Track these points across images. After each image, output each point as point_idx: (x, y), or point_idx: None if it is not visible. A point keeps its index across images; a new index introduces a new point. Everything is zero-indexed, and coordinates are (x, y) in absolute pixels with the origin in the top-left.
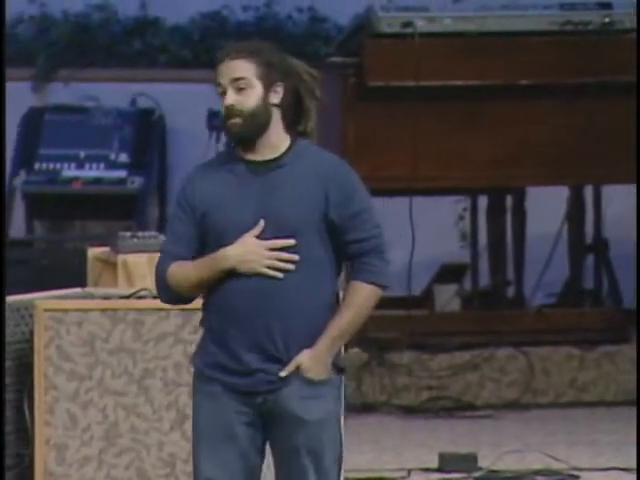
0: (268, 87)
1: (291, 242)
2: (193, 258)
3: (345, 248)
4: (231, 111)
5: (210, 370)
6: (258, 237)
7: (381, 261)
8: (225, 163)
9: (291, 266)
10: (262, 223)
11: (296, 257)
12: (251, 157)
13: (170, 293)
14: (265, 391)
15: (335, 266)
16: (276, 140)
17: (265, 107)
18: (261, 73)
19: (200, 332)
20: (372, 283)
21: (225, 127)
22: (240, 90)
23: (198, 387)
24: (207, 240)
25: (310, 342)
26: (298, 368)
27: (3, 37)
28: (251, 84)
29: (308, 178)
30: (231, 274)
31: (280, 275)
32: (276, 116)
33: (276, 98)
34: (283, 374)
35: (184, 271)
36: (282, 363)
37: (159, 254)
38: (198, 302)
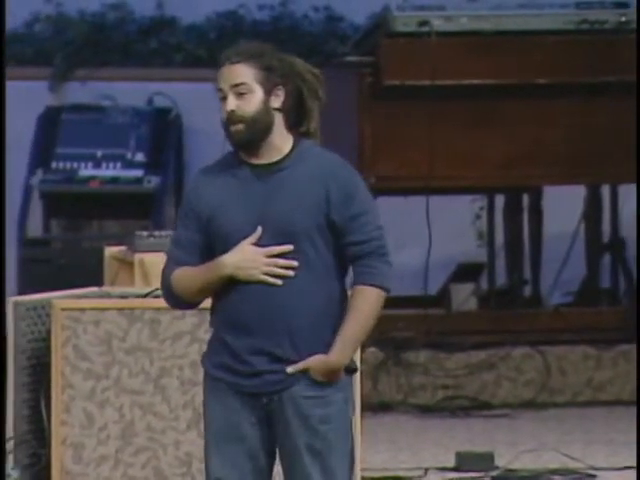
0: (269, 91)
1: (289, 248)
2: (200, 263)
3: (345, 250)
4: (233, 117)
5: (216, 371)
6: (261, 240)
7: (382, 263)
8: (229, 167)
9: (290, 272)
10: (259, 230)
11: (295, 263)
12: (254, 160)
13: (175, 298)
14: (271, 391)
15: (341, 266)
16: (279, 143)
17: (266, 111)
18: (261, 77)
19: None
20: (374, 286)
21: (227, 133)
22: (240, 95)
23: (207, 387)
24: (214, 245)
25: (318, 342)
26: (307, 370)
27: (3, 38)
28: (251, 89)
29: (310, 179)
30: (233, 279)
31: (279, 282)
32: (278, 119)
33: (277, 102)
34: (290, 370)
35: (186, 277)
36: (290, 362)
37: (165, 259)
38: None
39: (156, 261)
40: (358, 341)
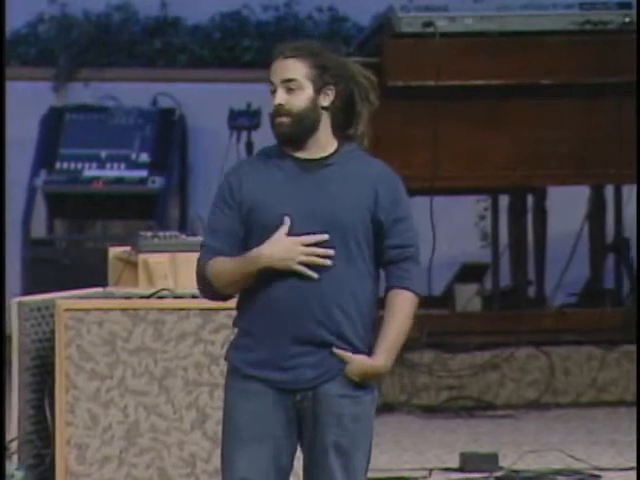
0: (319, 90)
1: (324, 237)
2: (238, 254)
3: (386, 252)
4: (280, 110)
5: (251, 368)
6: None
7: (415, 268)
8: (272, 159)
9: (328, 261)
10: (288, 220)
11: (331, 252)
12: (299, 154)
13: (208, 289)
14: (306, 388)
15: (373, 267)
16: (324, 141)
17: (313, 109)
18: (313, 75)
19: (223, 331)
20: (410, 290)
21: (272, 125)
22: (290, 90)
23: (234, 385)
24: (251, 235)
25: (355, 337)
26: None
27: (3, 37)
28: (301, 86)
29: (358, 179)
30: (272, 271)
31: (315, 275)
32: (325, 118)
33: (326, 101)
34: (336, 351)
35: (220, 268)
36: (330, 348)
37: (200, 248)
38: (217, 302)
39: (160, 262)
40: (400, 345)
